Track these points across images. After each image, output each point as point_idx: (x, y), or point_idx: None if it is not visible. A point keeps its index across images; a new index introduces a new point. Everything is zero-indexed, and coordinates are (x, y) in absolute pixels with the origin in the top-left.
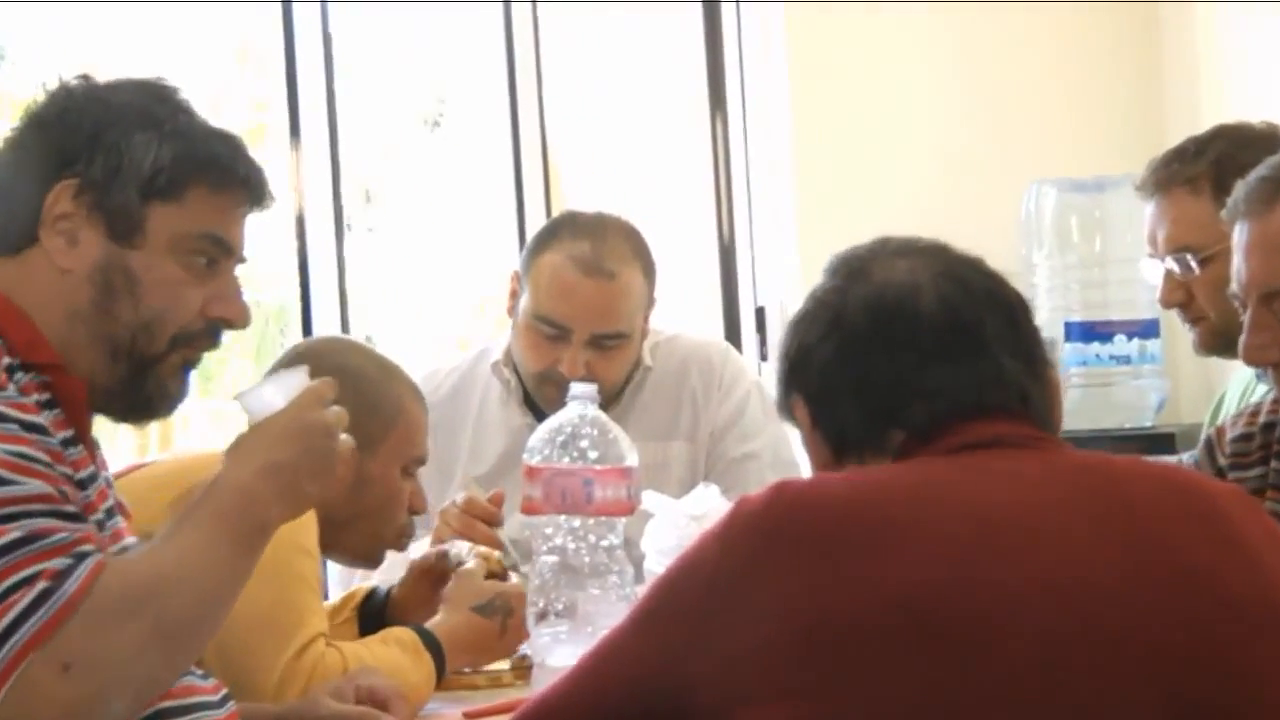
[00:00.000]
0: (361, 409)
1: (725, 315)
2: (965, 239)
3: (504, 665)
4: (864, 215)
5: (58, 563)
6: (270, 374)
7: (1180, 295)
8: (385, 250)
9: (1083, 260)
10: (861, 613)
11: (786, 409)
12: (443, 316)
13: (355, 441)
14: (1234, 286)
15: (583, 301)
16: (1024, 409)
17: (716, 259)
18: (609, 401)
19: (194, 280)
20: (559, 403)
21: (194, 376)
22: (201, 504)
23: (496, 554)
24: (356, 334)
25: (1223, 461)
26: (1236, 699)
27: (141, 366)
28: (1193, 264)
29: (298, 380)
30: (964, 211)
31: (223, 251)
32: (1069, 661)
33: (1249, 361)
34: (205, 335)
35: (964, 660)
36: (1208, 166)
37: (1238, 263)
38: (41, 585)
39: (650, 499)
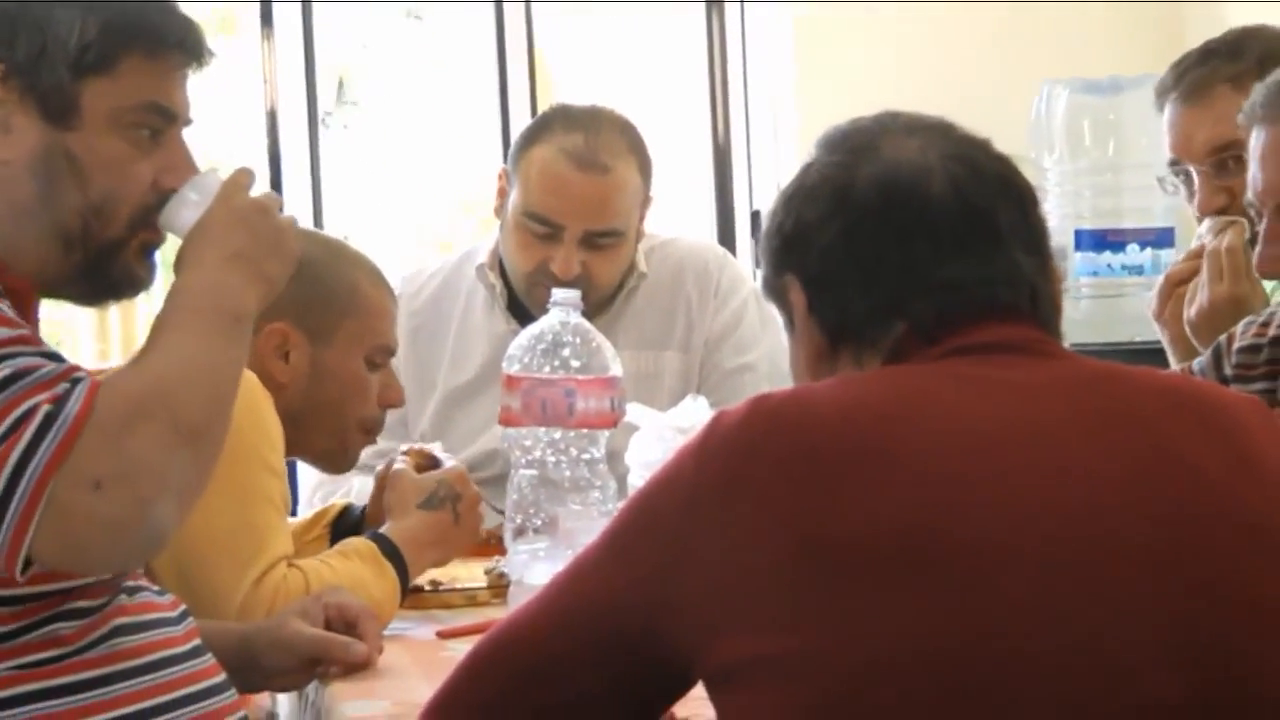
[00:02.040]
0: (311, 296)
1: (719, 219)
2: None
3: (480, 584)
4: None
5: (53, 392)
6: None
7: (1223, 199)
8: (364, 146)
9: (1095, 165)
10: (850, 539)
11: (777, 289)
12: (424, 216)
13: (308, 332)
14: (1250, 195)
15: (575, 196)
16: (1033, 310)
17: (711, 161)
18: (600, 307)
19: (140, 154)
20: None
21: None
22: (175, 308)
23: (420, 446)
24: (332, 233)
25: (1228, 371)
26: (1249, 629)
27: (101, 254)
28: (1232, 164)
29: (212, 180)
30: (972, 112)
31: (166, 120)
32: (1073, 588)
33: (1263, 273)
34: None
35: (961, 589)
36: (1253, 65)
37: (1254, 170)
38: (44, 411)
39: (635, 411)
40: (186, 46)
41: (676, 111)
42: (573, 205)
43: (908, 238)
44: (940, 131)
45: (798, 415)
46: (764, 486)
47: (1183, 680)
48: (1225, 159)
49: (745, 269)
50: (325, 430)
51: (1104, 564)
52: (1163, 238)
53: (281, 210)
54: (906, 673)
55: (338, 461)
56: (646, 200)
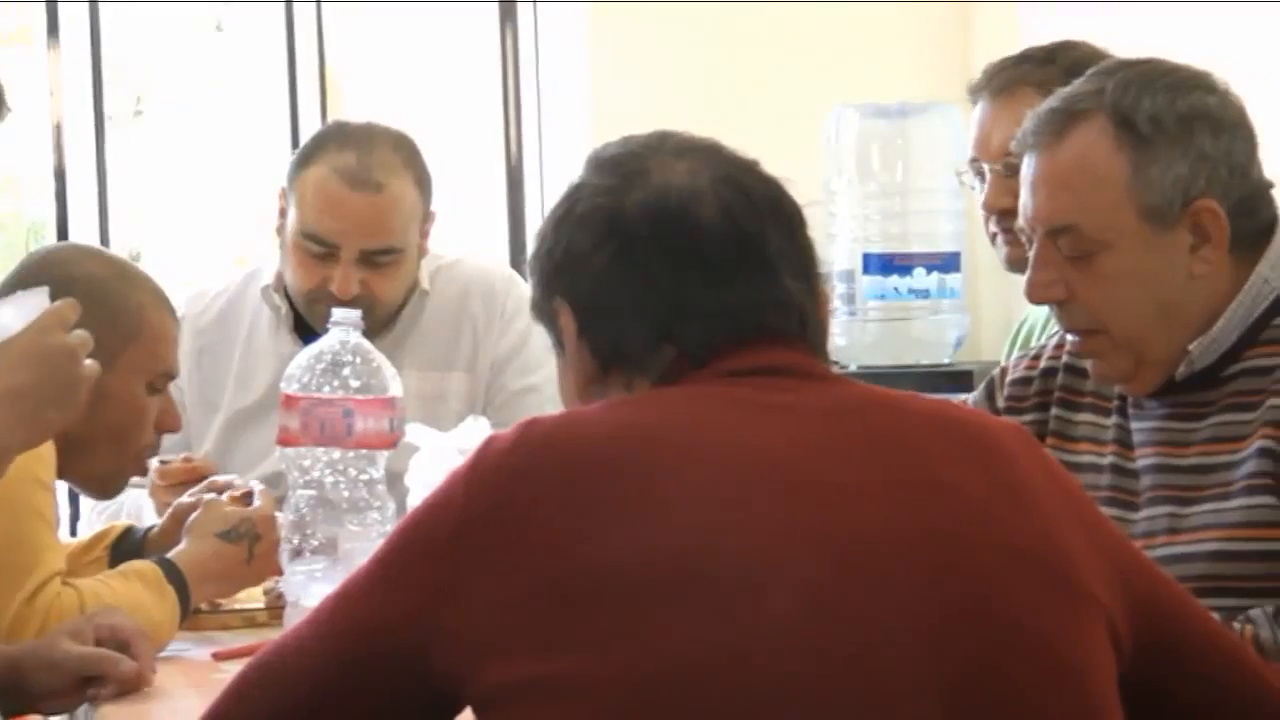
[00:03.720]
0: (97, 319)
1: (511, 234)
2: (765, 164)
3: (258, 604)
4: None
5: None
6: (5, 295)
7: (1009, 200)
8: (158, 160)
9: (883, 189)
10: (617, 561)
11: (547, 312)
12: (218, 230)
13: (90, 354)
14: (1020, 221)
15: (349, 216)
16: (803, 334)
17: (504, 178)
18: (383, 326)
19: None
20: None
21: None
22: None
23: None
24: (120, 249)
25: (1000, 404)
26: (1015, 656)
27: None
28: None
29: (36, 301)
30: (764, 135)
31: None
32: (835, 611)
33: (1033, 299)
34: None
35: (725, 612)
36: (1061, 73)
37: (1025, 196)
38: None
39: (415, 431)
40: None
41: (469, 125)
42: (347, 225)
43: (678, 264)
44: (710, 153)
45: (567, 439)
46: (533, 511)
47: (942, 703)
48: (1018, 161)
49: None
50: (101, 455)
51: (866, 586)
52: (949, 262)
53: (85, 356)
54: (671, 695)
55: (108, 487)
56: (428, 216)
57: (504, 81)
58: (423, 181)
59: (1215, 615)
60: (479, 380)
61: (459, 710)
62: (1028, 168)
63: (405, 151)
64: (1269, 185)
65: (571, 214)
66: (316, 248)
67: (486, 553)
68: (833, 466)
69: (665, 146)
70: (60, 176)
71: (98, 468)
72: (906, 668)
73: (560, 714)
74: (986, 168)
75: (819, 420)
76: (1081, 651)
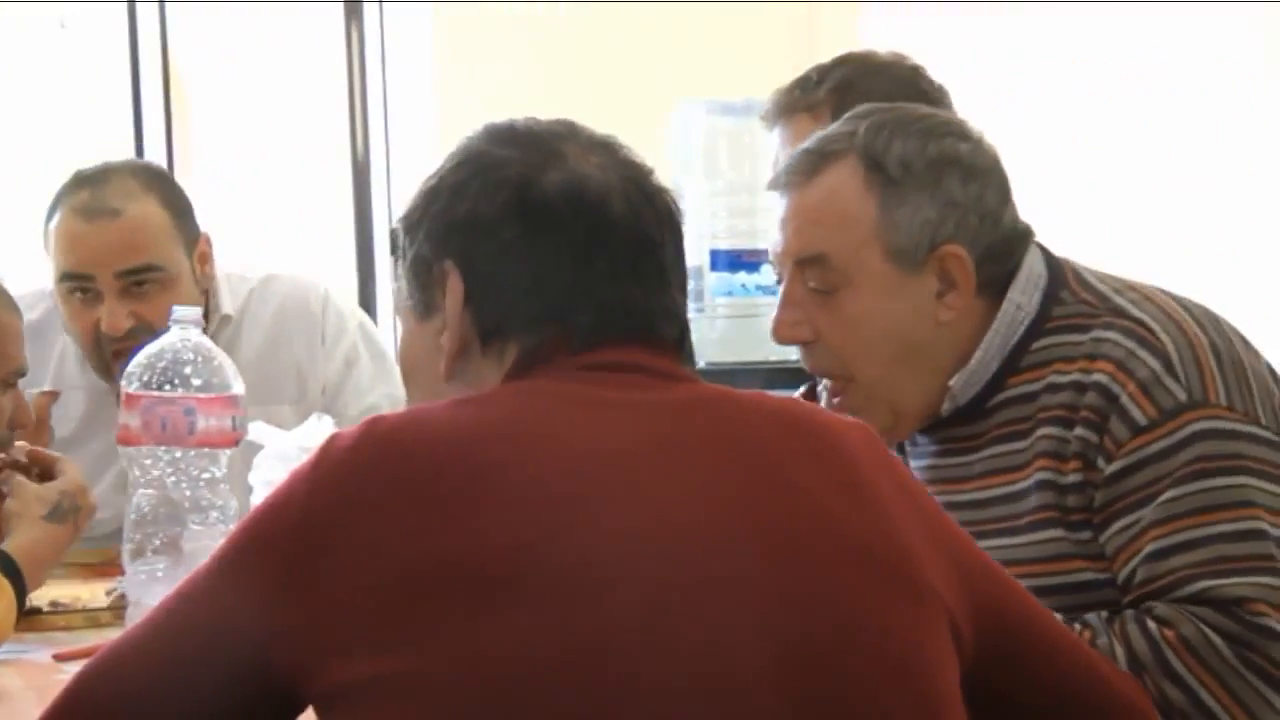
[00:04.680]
0: None
1: (358, 235)
2: None
3: (102, 604)
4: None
5: None
6: None
7: None
8: None
9: (730, 186)
10: (459, 559)
11: (428, 271)
12: None
13: None
14: (771, 258)
15: (93, 246)
16: (679, 345)
17: (350, 176)
18: None
19: None
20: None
21: None
22: None
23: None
24: None
25: None
26: (856, 653)
27: None
28: None
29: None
30: (609, 131)
31: None
32: (678, 609)
33: (779, 338)
34: None
35: (566, 610)
36: (827, 94)
37: (776, 235)
38: None
39: (257, 430)
40: None
41: (315, 124)
42: (92, 254)
43: (588, 252)
44: (614, 151)
45: (410, 436)
46: (375, 509)
47: (787, 700)
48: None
49: (347, 303)
50: None
51: (711, 584)
52: None
53: None
54: (510, 693)
55: None
56: (197, 239)
57: (350, 80)
58: (172, 202)
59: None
60: (311, 409)
61: (300, 710)
62: (781, 207)
63: (144, 177)
64: (1024, 232)
65: (477, 177)
66: (77, 286)
67: (327, 550)
68: (676, 464)
69: (577, 137)
70: None
71: None
72: (748, 663)
73: (399, 712)
74: None
75: (664, 418)
76: (923, 648)
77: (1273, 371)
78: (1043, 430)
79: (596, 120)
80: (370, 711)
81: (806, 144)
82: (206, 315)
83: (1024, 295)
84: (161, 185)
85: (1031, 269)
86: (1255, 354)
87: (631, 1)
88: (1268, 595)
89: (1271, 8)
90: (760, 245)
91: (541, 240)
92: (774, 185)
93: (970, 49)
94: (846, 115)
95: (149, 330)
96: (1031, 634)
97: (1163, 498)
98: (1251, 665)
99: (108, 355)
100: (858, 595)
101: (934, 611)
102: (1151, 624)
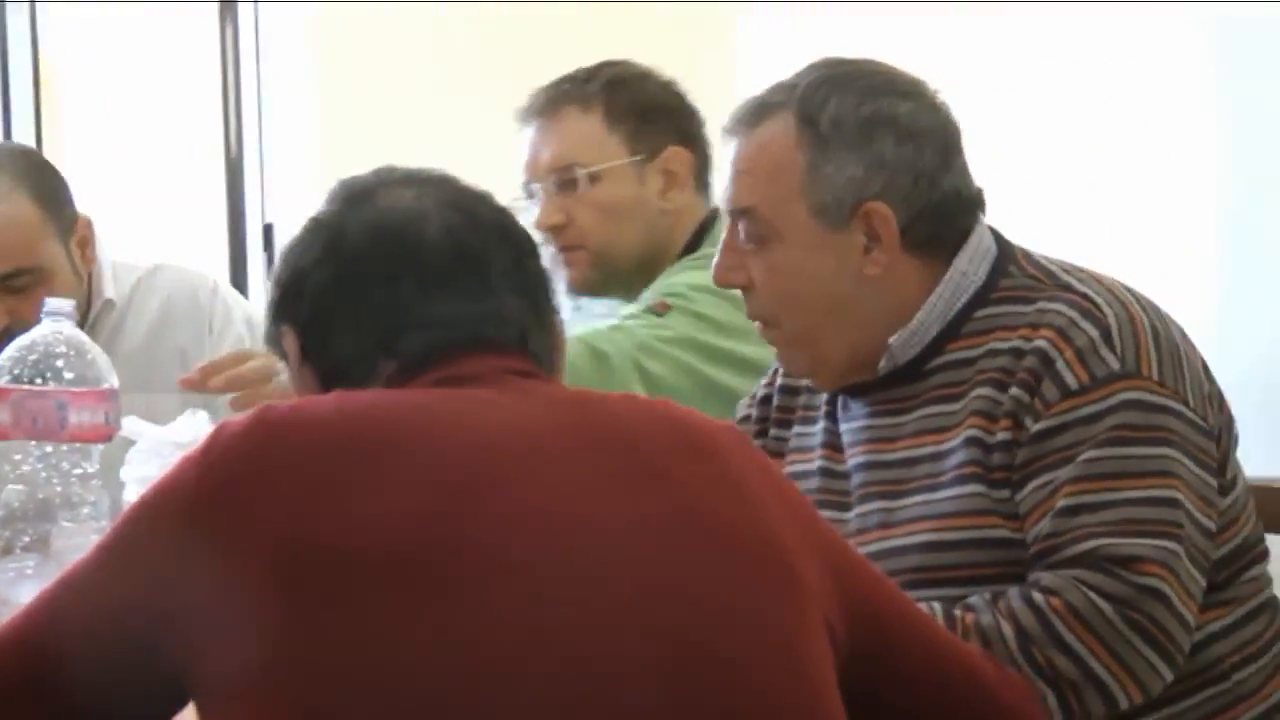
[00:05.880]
0: None
1: (230, 232)
2: (493, 159)
3: None
4: (387, 130)
5: None
6: None
7: (560, 217)
8: None
9: None
10: (341, 544)
11: (275, 340)
12: None
13: None
14: (720, 203)
15: None
16: (523, 346)
17: (223, 173)
18: None
19: None
20: None
21: None
22: None
23: None
24: None
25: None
26: (735, 640)
27: None
28: (580, 179)
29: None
30: (489, 130)
31: None
32: (557, 599)
33: (717, 281)
34: None
35: (443, 597)
36: (600, 89)
37: (721, 181)
38: None
39: (131, 425)
40: None
41: (188, 122)
42: None
43: (396, 277)
44: (440, 183)
45: (299, 423)
46: (261, 494)
47: (664, 688)
48: (566, 179)
49: (236, 295)
50: None
51: (590, 574)
52: None
53: None
54: (387, 681)
55: None
56: (74, 223)
57: (224, 78)
58: (44, 193)
59: (934, 605)
60: (193, 397)
61: (183, 704)
62: (725, 152)
63: (13, 169)
64: (971, 198)
65: (299, 241)
66: None
67: (215, 536)
68: (558, 457)
69: (393, 176)
70: None
71: None
72: (625, 652)
73: (276, 702)
74: (538, 187)
75: (542, 414)
76: (800, 637)
77: (1206, 368)
78: (977, 391)
79: (474, 120)
80: (243, 701)
81: (759, 92)
82: (89, 301)
83: (971, 264)
84: (33, 176)
85: (981, 240)
86: (1193, 347)
87: (506, 2)
88: (1164, 558)
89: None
90: None
91: (349, 277)
92: (725, 131)
93: (833, 49)
94: (803, 67)
95: (26, 328)
96: (908, 636)
97: (1082, 458)
98: (1136, 626)
99: None
100: (736, 586)
101: (809, 605)
102: (1038, 595)
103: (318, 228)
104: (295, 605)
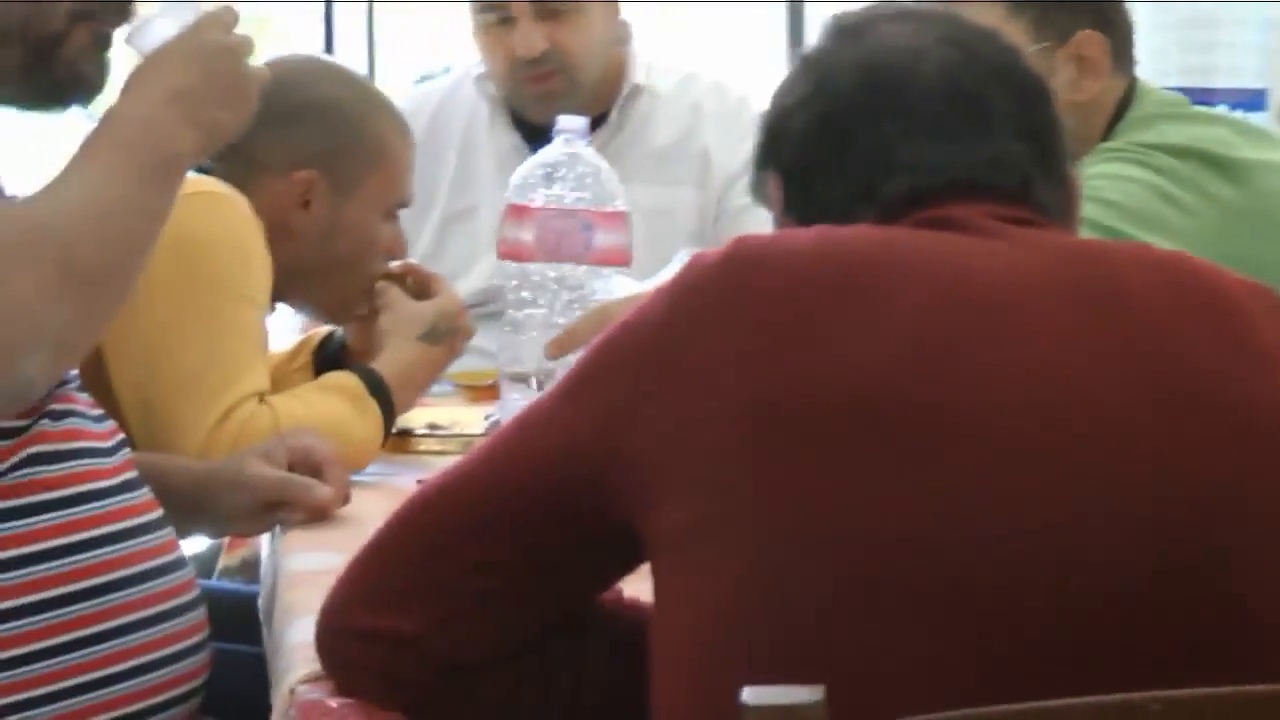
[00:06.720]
0: (339, 146)
1: None
2: None
3: (478, 431)
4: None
5: None
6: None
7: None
8: None
9: (1183, 20)
10: (814, 392)
11: (760, 188)
12: None
13: (333, 183)
14: None
15: None
16: (1024, 196)
17: None
18: (594, 114)
19: None
20: (543, 99)
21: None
22: (98, 138)
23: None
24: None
25: None
26: (1228, 525)
27: (41, 50)
28: None
29: (192, 8)
30: None
31: None
32: (1034, 466)
33: None
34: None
35: (909, 460)
36: None
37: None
38: None
39: (621, 283)
40: None
41: None
42: None
43: (883, 118)
44: (941, 19)
45: (776, 257)
46: (731, 330)
47: (1148, 572)
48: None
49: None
50: (332, 284)
51: (1072, 443)
52: (1255, 100)
53: (250, 57)
54: (855, 545)
55: (337, 315)
56: None
57: None
58: None
59: None
60: (709, 196)
61: (638, 558)
62: None
63: None
64: None
65: (787, 80)
66: (491, 15)
67: (679, 370)
68: (1047, 309)
69: (888, 10)
70: None
71: (327, 296)
72: (1112, 535)
73: (734, 557)
74: None
75: (1032, 261)
76: None
77: None
78: None
79: None
80: (693, 555)
81: None
82: (618, 85)
83: None
84: None
85: None
86: None
87: None
88: None
89: None
90: (1217, 84)
91: (835, 115)
92: None
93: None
94: None
95: (560, 57)
96: None
97: None
98: None
99: (528, 87)
100: (1240, 467)
101: None
102: None
103: (806, 66)
104: (762, 456)
